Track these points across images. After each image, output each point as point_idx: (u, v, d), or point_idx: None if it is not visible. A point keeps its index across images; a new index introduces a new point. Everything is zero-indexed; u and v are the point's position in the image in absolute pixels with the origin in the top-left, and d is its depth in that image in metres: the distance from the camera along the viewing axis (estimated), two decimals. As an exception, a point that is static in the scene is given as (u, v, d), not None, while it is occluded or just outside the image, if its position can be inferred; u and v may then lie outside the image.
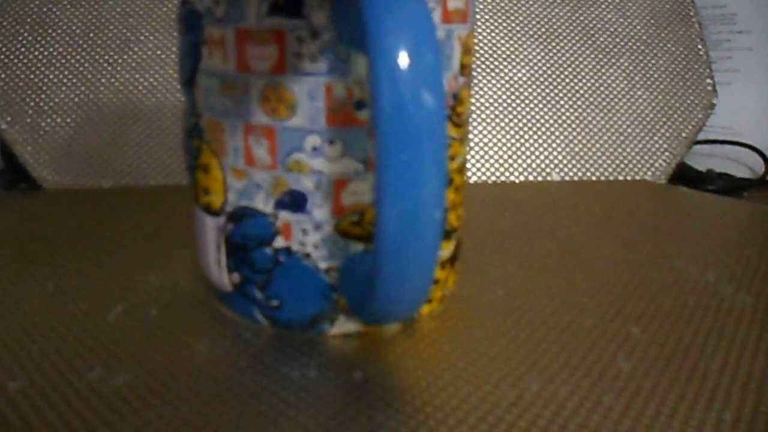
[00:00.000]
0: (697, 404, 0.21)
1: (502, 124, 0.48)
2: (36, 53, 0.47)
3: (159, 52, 0.48)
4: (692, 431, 0.20)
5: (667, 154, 0.49)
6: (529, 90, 0.50)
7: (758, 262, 0.33)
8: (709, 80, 0.53)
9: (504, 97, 0.49)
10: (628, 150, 0.49)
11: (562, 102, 0.50)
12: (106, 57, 0.48)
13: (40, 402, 0.21)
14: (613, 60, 0.52)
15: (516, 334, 0.26)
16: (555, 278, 0.31)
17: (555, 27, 0.52)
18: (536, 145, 0.48)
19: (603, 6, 0.53)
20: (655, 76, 0.52)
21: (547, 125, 0.49)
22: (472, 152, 0.47)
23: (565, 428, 0.20)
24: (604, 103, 0.50)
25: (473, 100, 0.49)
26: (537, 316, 0.27)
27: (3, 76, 0.46)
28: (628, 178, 0.48)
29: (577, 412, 0.21)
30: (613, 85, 0.51)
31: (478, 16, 0.52)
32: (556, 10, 0.52)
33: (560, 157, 0.48)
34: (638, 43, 0.53)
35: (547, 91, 0.50)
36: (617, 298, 0.29)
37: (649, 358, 0.24)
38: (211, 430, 0.20)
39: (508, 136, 0.48)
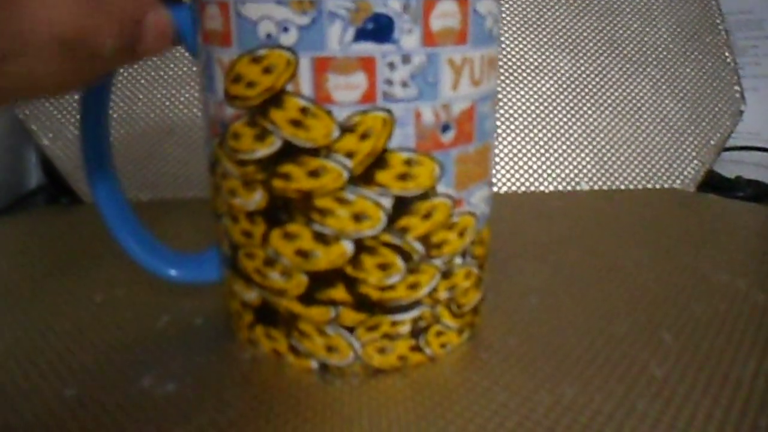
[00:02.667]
0: (731, 410, 0.22)
1: (531, 135, 0.49)
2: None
3: (195, 68, 0.49)
4: (727, 435, 0.20)
5: (695, 162, 0.50)
6: (558, 101, 0.50)
7: (789, 270, 0.34)
8: (737, 87, 0.53)
9: (533, 108, 0.50)
10: (657, 158, 0.49)
11: (590, 112, 0.50)
12: (144, 74, 0.49)
13: (95, 408, 0.22)
14: (641, 69, 0.52)
15: (550, 341, 0.26)
16: (586, 286, 0.31)
17: (582, 38, 0.52)
18: (565, 155, 0.48)
19: (629, 16, 0.54)
20: (683, 84, 0.52)
21: (576, 135, 0.49)
22: (502, 162, 0.48)
23: (602, 433, 0.21)
24: (631, 113, 0.50)
25: (502, 111, 0.50)
26: (570, 323, 0.28)
27: (44, 93, 0.48)
28: (657, 186, 0.48)
29: (612, 417, 0.21)
30: (641, 94, 0.51)
31: (506, 28, 0.52)
32: (583, 21, 0.53)
33: (589, 167, 0.48)
34: (665, 52, 0.53)
35: (576, 101, 0.50)
36: (648, 306, 0.29)
37: (682, 365, 0.25)
38: (260, 434, 0.21)
39: (537, 147, 0.49)
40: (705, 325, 0.28)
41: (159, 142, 0.48)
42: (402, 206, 0.22)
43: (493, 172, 0.45)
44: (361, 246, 0.22)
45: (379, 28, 0.20)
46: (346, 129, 0.21)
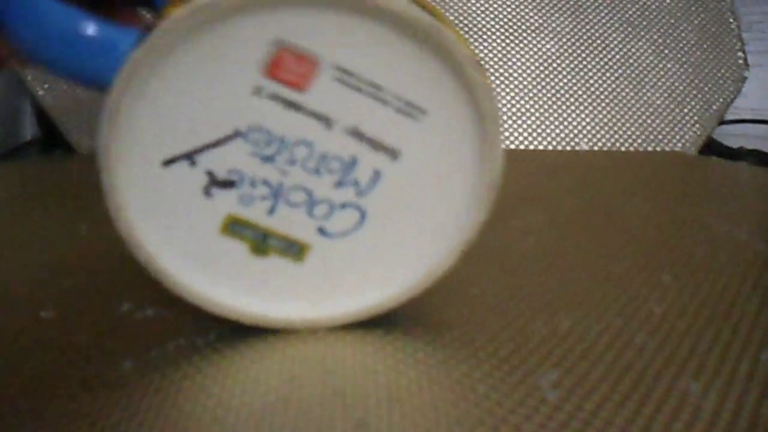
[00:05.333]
0: (733, 343, 0.21)
1: (531, 94, 0.48)
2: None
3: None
4: (728, 369, 0.20)
5: (697, 126, 0.49)
6: (559, 61, 0.49)
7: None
8: (740, 53, 0.52)
9: (533, 68, 0.49)
10: (658, 121, 0.48)
11: (591, 73, 0.49)
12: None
13: (71, 329, 0.21)
14: (643, 32, 0.51)
15: (547, 278, 0.25)
16: (585, 231, 0.30)
17: (584, -2, 0.51)
18: (565, 115, 0.48)
19: (633, -22, 0.53)
20: (686, 49, 0.51)
21: (576, 96, 0.48)
22: (502, 121, 0.47)
23: (598, 363, 0.20)
24: (633, 75, 0.50)
25: (502, 70, 0.49)
26: (568, 262, 0.27)
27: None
28: (658, 149, 0.48)
29: (609, 348, 0.21)
30: (643, 57, 0.50)
31: (506, -13, 0.51)
32: (586, -18, 0.52)
33: (589, 128, 0.47)
34: (668, 16, 0.52)
35: (577, 62, 0.49)
36: (648, 249, 0.28)
37: (681, 303, 0.24)
38: (240, 356, 0.20)
39: (536, 106, 0.48)
40: (705, 268, 0.27)
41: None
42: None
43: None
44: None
45: None
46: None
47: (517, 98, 0.48)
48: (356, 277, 0.21)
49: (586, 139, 0.47)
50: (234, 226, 0.20)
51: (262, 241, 0.20)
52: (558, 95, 0.48)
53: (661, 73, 0.50)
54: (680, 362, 0.20)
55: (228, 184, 0.19)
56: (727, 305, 0.24)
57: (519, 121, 0.47)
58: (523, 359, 0.20)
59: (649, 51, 0.51)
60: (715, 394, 0.18)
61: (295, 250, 0.20)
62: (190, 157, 0.19)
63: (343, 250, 0.21)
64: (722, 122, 0.59)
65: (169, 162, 0.19)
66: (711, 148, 0.54)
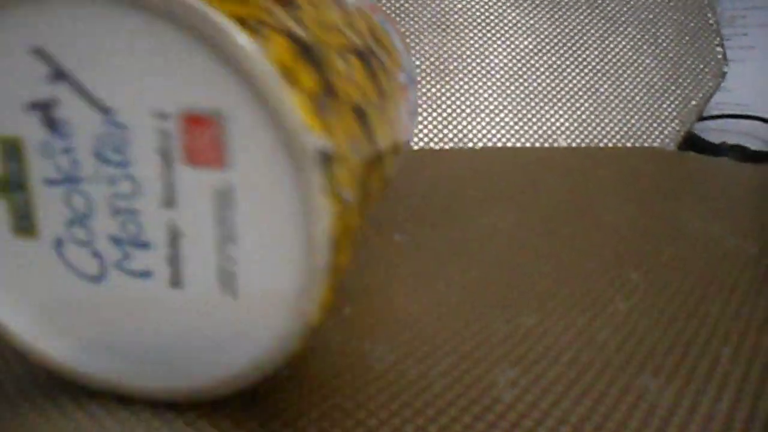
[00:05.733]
0: (695, 340, 0.21)
1: (509, 91, 0.48)
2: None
3: None
4: (689, 365, 0.20)
5: (676, 121, 0.49)
6: (537, 58, 0.49)
7: (765, 217, 0.33)
8: (719, 48, 0.52)
9: (510, 64, 0.49)
10: (636, 117, 0.48)
11: (569, 70, 0.49)
12: None
13: None
14: (621, 28, 0.51)
15: (513, 277, 0.25)
16: (555, 229, 0.30)
17: (562, -6, 0.51)
18: (542, 111, 0.48)
19: (612, -26, 0.53)
20: (664, 44, 0.51)
21: (554, 92, 0.48)
22: (479, 118, 0.47)
23: (557, 361, 0.20)
24: (611, 71, 0.49)
25: (480, 67, 0.49)
26: (535, 260, 0.27)
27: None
28: (636, 145, 0.48)
29: (570, 346, 0.21)
30: (621, 52, 0.50)
31: (484, -16, 0.51)
32: (564, -22, 0.52)
33: (567, 124, 0.47)
34: (646, 12, 0.52)
35: (555, 58, 0.49)
36: (618, 246, 0.28)
37: (648, 301, 0.24)
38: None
39: (514, 103, 0.48)
40: (675, 266, 0.27)
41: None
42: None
43: (471, 127, 0.44)
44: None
45: None
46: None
47: (494, 95, 0.48)
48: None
49: (564, 136, 0.47)
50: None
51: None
52: (535, 92, 0.48)
53: (640, 68, 0.50)
54: (640, 360, 0.20)
55: None
56: (694, 303, 0.24)
57: (496, 119, 0.47)
58: (483, 357, 0.20)
59: (627, 47, 0.51)
60: (672, 391, 0.18)
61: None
62: None
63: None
64: (705, 118, 0.59)
65: None
66: (693, 143, 0.54)
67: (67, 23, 0.14)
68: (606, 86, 0.49)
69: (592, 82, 0.49)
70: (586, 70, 0.49)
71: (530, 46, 0.50)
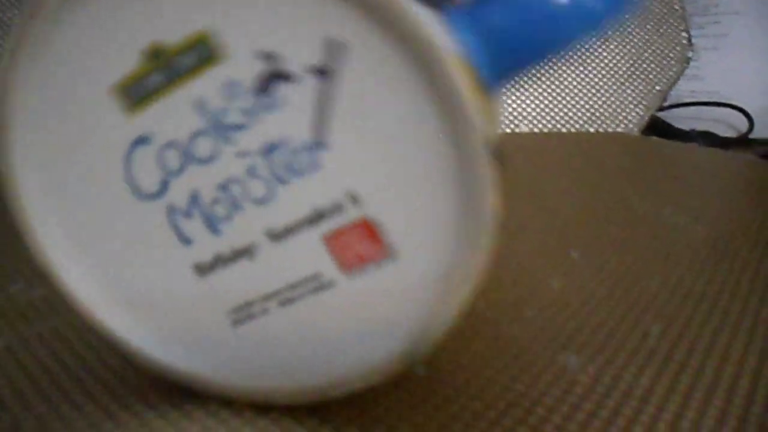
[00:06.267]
0: (627, 316, 0.20)
1: (470, 76, 0.47)
2: None
3: None
4: (614, 344, 0.19)
5: (641, 106, 0.48)
6: (499, 43, 0.49)
7: (719, 200, 0.32)
8: (684, 33, 0.52)
9: (473, 49, 0.48)
10: (600, 102, 0.48)
11: (532, 55, 0.48)
12: None
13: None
14: (587, 13, 0.50)
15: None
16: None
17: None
18: (505, 96, 0.47)
19: (577, -42, 0.52)
20: (629, 29, 0.51)
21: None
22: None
23: (479, 337, 0.19)
24: (574, 55, 0.49)
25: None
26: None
27: None
28: (600, 130, 0.47)
29: (496, 323, 0.20)
30: (586, 37, 0.50)
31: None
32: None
33: (529, 109, 0.47)
34: (613, -3, 0.52)
35: (518, 43, 0.49)
36: (562, 227, 0.28)
37: (583, 279, 0.23)
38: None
39: (475, 88, 0.47)
40: (617, 245, 0.26)
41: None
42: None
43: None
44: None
45: None
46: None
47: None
48: None
49: (526, 121, 0.46)
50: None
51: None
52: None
53: (604, 53, 0.49)
54: (566, 337, 0.19)
55: None
56: (629, 282, 0.23)
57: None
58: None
59: (593, 32, 0.50)
60: (593, 368, 0.18)
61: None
62: None
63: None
64: (677, 105, 0.59)
65: None
66: (662, 130, 0.53)
67: None
68: (570, 70, 0.48)
69: (555, 67, 0.48)
70: (549, 55, 0.49)
71: (492, 31, 0.49)
